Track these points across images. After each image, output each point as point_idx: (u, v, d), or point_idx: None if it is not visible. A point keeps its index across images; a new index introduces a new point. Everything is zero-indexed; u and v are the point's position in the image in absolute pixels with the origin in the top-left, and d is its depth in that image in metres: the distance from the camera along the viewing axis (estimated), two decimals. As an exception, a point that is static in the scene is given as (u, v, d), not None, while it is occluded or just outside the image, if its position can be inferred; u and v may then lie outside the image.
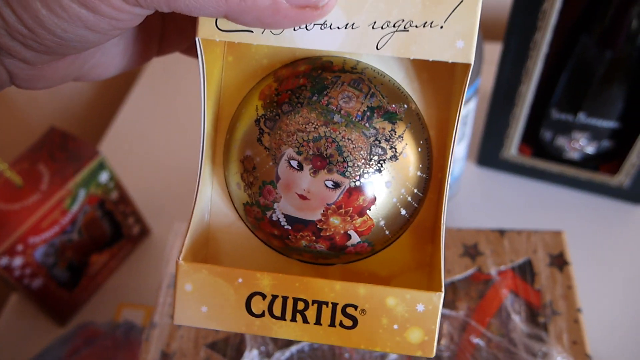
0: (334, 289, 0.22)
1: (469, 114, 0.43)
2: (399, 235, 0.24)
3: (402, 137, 0.22)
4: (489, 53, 0.45)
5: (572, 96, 0.46)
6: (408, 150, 0.22)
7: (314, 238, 0.23)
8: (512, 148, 0.50)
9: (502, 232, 0.39)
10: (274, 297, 0.22)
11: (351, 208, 0.22)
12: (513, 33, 0.43)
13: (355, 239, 0.23)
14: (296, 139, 0.22)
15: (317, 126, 0.22)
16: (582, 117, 0.46)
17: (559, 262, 0.37)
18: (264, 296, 0.22)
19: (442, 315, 0.36)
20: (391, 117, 0.22)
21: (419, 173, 0.23)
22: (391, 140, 0.22)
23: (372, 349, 0.22)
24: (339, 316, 0.22)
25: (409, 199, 0.23)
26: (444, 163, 0.24)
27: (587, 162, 0.49)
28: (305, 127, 0.22)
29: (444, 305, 0.36)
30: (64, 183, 0.41)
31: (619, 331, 0.43)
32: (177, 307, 0.22)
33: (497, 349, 0.34)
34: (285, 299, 0.22)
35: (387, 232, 0.23)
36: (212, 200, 0.25)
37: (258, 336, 0.35)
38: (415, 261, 0.25)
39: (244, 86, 0.25)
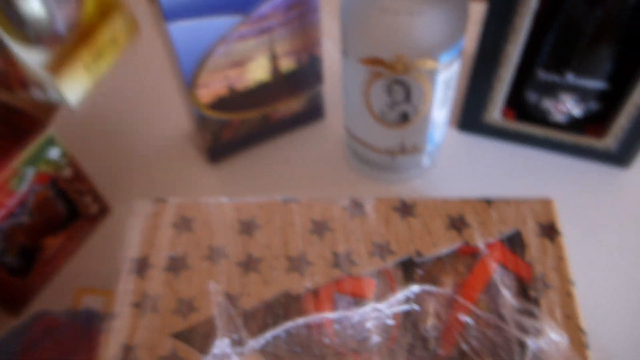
0: None
1: (453, 75, 0.40)
2: None
3: None
4: (473, 12, 0.42)
5: (559, 56, 0.43)
6: None
7: None
8: (495, 112, 0.48)
9: (489, 202, 0.36)
10: None
11: None
12: (498, -13, 0.39)
13: None
14: None
15: None
16: (569, 77, 0.43)
17: (550, 232, 0.35)
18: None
19: (428, 293, 0.33)
20: None
21: None
22: None
23: None
24: None
25: None
26: None
27: (573, 125, 0.47)
28: None
29: (430, 282, 0.33)
30: (7, 162, 0.37)
31: (612, 301, 0.41)
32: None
33: (486, 326, 0.32)
34: None
35: None
36: None
37: (230, 324, 0.32)
38: None
39: None
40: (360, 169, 0.48)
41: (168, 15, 0.38)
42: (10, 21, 0.39)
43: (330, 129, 0.53)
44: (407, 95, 0.39)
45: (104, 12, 0.46)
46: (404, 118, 0.41)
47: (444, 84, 0.39)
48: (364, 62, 0.38)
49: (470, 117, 0.49)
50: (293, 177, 0.50)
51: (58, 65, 0.43)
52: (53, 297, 0.44)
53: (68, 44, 0.44)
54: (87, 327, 0.40)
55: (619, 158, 0.47)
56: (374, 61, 0.37)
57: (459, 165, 0.49)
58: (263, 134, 0.51)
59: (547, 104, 0.45)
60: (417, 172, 0.47)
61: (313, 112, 0.52)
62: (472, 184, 0.48)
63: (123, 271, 0.34)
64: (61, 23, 0.42)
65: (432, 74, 0.38)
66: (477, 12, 0.43)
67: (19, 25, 0.40)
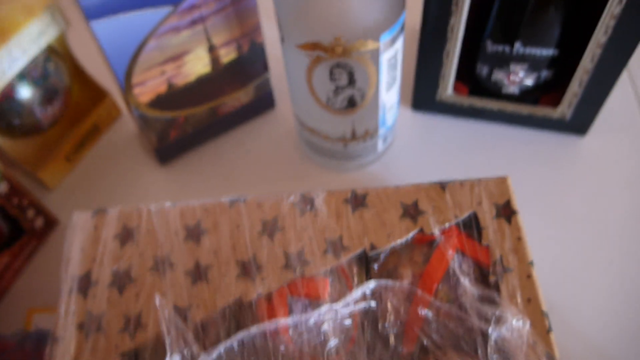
0: None
1: (397, 54, 0.38)
2: None
3: None
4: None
5: (507, 25, 0.41)
6: None
7: None
8: (447, 88, 0.46)
9: (443, 186, 0.35)
10: None
11: None
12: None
13: None
14: None
15: None
16: (518, 46, 0.42)
17: (506, 212, 0.34)
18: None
19: (386, 287, 0.32)
20: None
21: None
22: None
23: None
24: None
25: None
26: None
27: (526, 95, 0.45)
28: None
29: (387, 276, 0.32)
30: None
31: (570, 270, 0.40)
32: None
33: (447, 318, 0.31)
34: None
35: None
36: None
37: (180, 339, 0.30)
38: None
39: None
40: (314, 158, 0.47)
41: (89, 13, 0.35)
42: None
43: (282, 118, 0.51)
44: (351, 79, 0.37)
45: (92, 102, 0.50)
46: (352, 103, 0.39)
47: (388, 64, 0.38)
48: (302, 48, 0.36)
49: (423, 96, 0.48)
50: (247, 172, 0.48)
51: (40, 158, 0.47)
52: (3, 319, 0.42)
53: (52, 137, 0.48)
54: (37, 349, 0.38)
55: (574, 126, 0.46)
56: (312, 46, 0.35)
57: (415, 146, 0.48)
58: (213, 130, 0.49)
59: (499, 75, 0.44)
60: (373, 157, 0.46)
61: (263, 102, 0.50)
62: (429, 164, 0.47)
63: (64, 290, 0.33)
64: (45, 120, 0.46)
65: (374, 55, 0.36)
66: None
67: (6, 122, 0.44)
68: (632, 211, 0.43)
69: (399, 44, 0.38)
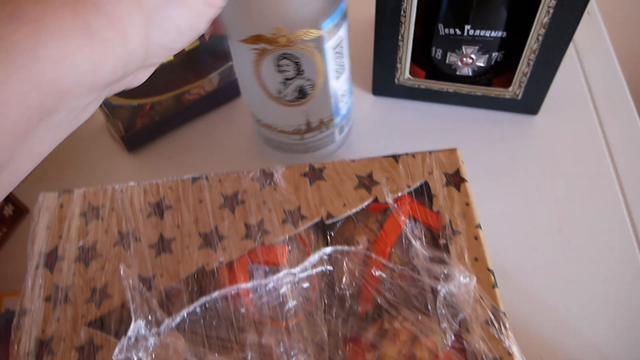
0: None
1: (342, 41, 0.39)
2: None
3: None
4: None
5: (457, 10, 0.43)
6: None
7: None
8: (405, 72, 0.48)
9: (396, 158, 0.37)
10: None
11: None
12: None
13: None
14: None
15: None
16: (468, 29, 0.44)
17: (455, 180, 0.36)
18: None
19: (342, 252, 0.34)
20: None
21: None
22: None
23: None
24: None
25: None
26: None
27: (480, 76, 0.48)
28: None
29: (343, 242, 0.34)
30: None
31: (523, 239, 0.43)
32: None
33: (400, 278, 0.33)
34: None
35: None
36: None
37: (144, 306, 0.32)
38: None
39: None
40: (273, 154, 0.48)
41: None
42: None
43: (246, 107, 0.52)
44: (298, 69, 0.38)
45: None
46: (302, 94, 0.40)
47: (333, 52, 0.39)
48: (246, 42, 0.37)
49: (382, 81, 0.50)
50: (212, 161, 0.49)
51: None
52: (-27, 305, 0.43)
53: None
54: (7, 328, 0.39)
55: (526, 105, 0.48)
56: (256, 39, 0.36)
57: (376, 130, 0.50)
58: (180, 118, 0.50)
59: (453, 58, 0.46)
60: (332, 148, 0.47)
61: (228, 91, 0.51)
62: (388, 146, 0.48)
63: (31, 266, 0.34)
64: None
65: (318, 43, 0.37)
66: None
67: None
68: (578, 185, 0.45)
69: (343, 31, 0.39)
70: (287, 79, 0.39)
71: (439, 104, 0.51)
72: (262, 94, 0.41)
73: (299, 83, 0.39)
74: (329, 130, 0.45)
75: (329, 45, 0.38)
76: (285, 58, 0.37)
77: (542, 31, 0.42)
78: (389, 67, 0.48)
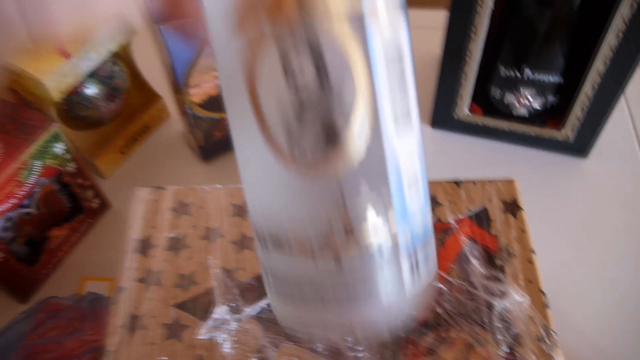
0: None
1: (401, 44, 0.21)
2: None
3: None
4: (434, 19, 0.46)
5: (517, 53, 0.47)
6: None
7: None
8: (464, 107, 0.52)
9: (458, 183, 0.40)
10: None
11: None
12: (461, -8, 0.44)
13: None
14: None
15: None
16: (527, 72, 0.47)
17: (513, 208, 0.39)
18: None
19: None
20: None
21: None
22: None
23: None
24: None
25: None
26: None
27: (535, 117, 0.51)
28: None
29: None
30: (17, 154, 0.40)
31: (569, 270, 0.45)
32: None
33: (458, 292, 0.36)
34: None
35: None
36: None
37: (227, 293, 0.35)
38: None
39: None
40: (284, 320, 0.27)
41: (158, 19, 0.41)
42: (68, 115, 0.51)
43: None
44: (321, 71, 0.20)
45: (145, 103, 0.57)
46: (330, 134, 0.20)
47: (385, 55, 0.20)
48: (237, 25, 0.20)
49: (441, 115, 0.54)
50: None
51: (98, 148, 0.54)
52: (59, 285, 0.47)
53: (110, 131, 0.55)
54: (92, 307, 0.43)
55: (577, 148, 0.51)
56: (248, 10, 0.20)
57: (432, 159, 0.53)
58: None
59: (510, 98, 0.50)
60: (396, 293, 0.24)
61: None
62: (444, 175, 0.52)
63: (127, 251, 0.38)
64: (107, 115, 0.53)
65: (356, 25, 0.19)
66: (440, 19, 0.47)
67: (74, 113, 0.51)
68: (624, 226, 0.48)
69: (403, 29, 0.21)
70: (301, 95, 0.20)
71: (493, 140, 0.54)
72: (260, 141, 0.22)
73: (324, 106, 0.20)
74: (388, 252, 0.22)
75: (377, 37, 0.20)
76: (297, 49, 0.20)
77: (598, 79, 0.46)
78: (449, 102, 0.52)
